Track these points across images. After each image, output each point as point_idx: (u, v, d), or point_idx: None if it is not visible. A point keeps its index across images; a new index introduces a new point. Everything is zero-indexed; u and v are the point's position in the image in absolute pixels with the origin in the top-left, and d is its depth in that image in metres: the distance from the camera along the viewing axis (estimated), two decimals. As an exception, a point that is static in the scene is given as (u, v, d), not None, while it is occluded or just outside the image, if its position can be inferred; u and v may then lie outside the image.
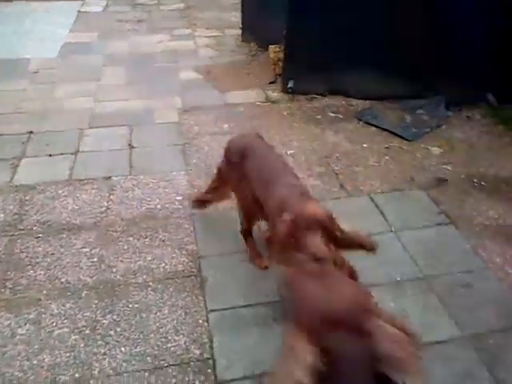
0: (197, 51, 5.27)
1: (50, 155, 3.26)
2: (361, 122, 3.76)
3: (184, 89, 4.32)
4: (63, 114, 3.81)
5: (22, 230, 2.62)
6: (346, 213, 2.73)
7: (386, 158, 3.30)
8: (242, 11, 5.51)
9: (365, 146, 3.45)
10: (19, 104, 3.94)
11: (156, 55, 5.10)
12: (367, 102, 4.04)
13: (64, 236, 2.57)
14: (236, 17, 6.43)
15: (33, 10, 6.44)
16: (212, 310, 2.18)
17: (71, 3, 6.82)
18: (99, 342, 2.02)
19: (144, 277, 2.34)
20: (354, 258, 2.00)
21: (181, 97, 4.15)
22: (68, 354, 1.97)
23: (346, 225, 1.91)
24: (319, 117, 3.85)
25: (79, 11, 6.52)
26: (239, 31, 5.71)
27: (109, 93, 4.19)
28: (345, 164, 3.23)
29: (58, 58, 4.92)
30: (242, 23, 5.57)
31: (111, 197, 2.88)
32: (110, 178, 3.05)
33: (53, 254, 2.46)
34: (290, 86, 4.17)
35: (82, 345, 2.01)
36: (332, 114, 3.89)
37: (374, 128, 3.68)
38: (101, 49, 5.21)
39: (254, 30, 5.29)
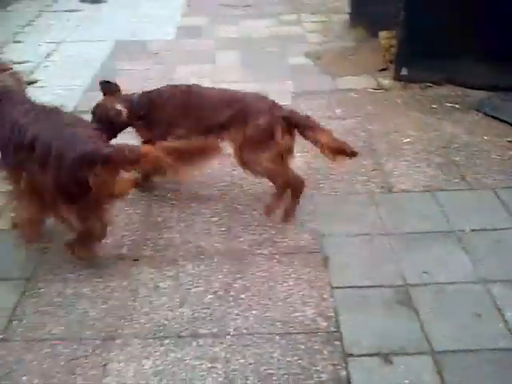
0: (304, 36, 5.32)
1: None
2: (480, 114, 3.64)
3: (294, 73, 4.41)
4: (184, 93, 4.04)
5: (157, 196, 2.86)
6: (469, 206, 2.72)
7: (510, 152, 3.18)
8: (351, -4, 5.48)
9: (486, 138, 3.34)
10: (145, 82, 4.22)
11: (265, 40, 5.23)
12: (484, 92, 3.90)
13: (194, 205, 2.78)
14: (341, 2, 6.39)
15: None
16: (336, 287, 2.26)
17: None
18: (232, 303, 2.18)
19: (269, 249, 2.48)
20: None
21: (292, 81, 4.25)
22: (205, 311, 2.15)
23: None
24: (435, 106, 3.77)
25: (190, -5, 6.81)
26: (346, 17, 5.69)
27: (224, 75, 4.37)
28: (465, 156, 3.16)
29: (174, 40, 5.20)
30: (351, 9, 5.53)
31: (233, 172, 3.03)
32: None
33: (185, 220, 2.67)
34: (403, 73, 4.12)
35: (216, 304, 2.18)
36: (448, 104, 3.80)
37: (494, 120, 3.55)
38: (212, 33, 5.43)
39: (362, 15, 5.25)
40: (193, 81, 4.21)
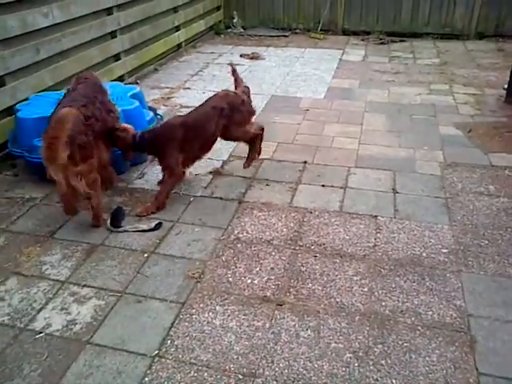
0: (456, 107, 5.25)
1: (323, 186, 3.63)
2: None
3: (445, 143, 4.35)
4: (332, 151, 4.21)
5: (302, 246, 2.98)
6: None
7: None
8: (512, 73, 5.32)
9: None
10: (295, 136, 4.50)
11: (414, 107, 5.26)
12: None
13: (337, 261, 2.84)
14: (496, 77, 6.24)
15: (302, 55, 7.30)
16: (483, 374, 2.13)
17: (333, 51, 7.53)
18: (371, 367, 2.17)
19: (412, 319, 2.43)
20: None
21: (442, 151, 4.20)
22: (344, 369, 2.16)
23: None
24: None
25: (340, 59, 7.14)
26: (500, 91, 5.53)
27: (371, 137, 4.48)
28: None
29: (324, 100, 5.47)
30: (509, 85, 5.36)
31: (378, 235, 3.06)
32: (376, 216, 3.25)
33: (328, 274, 2.74)
34: None
35: (355, 364, 2.18)
36: None
37: None
38: (361, 96, 5.60)
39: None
40: (341, 140, 4.41)
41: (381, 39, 8.20)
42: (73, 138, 2.76)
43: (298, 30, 8.73)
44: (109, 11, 5.42)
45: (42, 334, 2.34)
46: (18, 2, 4.04)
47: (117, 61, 5.67)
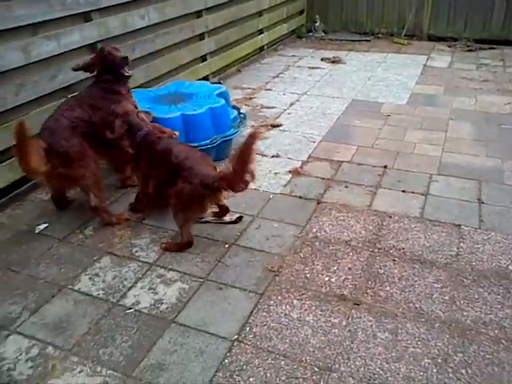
0: (549, 119, 4.95)
1: (403, 191, 3.58)
2: None
3: (535, 155, 4.13)
4: (413, 157, 4.14)
5: (380, 249, 2.96)
6: None
7: None
8: None
9: None
10: (375, 140, 4.47)
11: (503, 116, 5.03)
12: None
13: (417, 266, 2.80)
14: None
15: (384, 60, 7.20)
16: None
17: (417, 57, 7.34)
18: (451, 375, 2.13)
19: (496, 332, 2.35)
20: None
21: (533, 163, 3.99)
22: (422, 374, 2.14)
23: None
24: None
25: (425, 65, 6.95)
26: None
27: (456, 145, 4.34)
28: None
29: (406, 106, 5.36)
30: None
31: (461, 244, 2.98)
32: (459, 226, 3.16)
33: (407, 279, 2.71)
34: None
35: (434, 370, 2.15)
36: None
37: None
38: (446, 103, 5.43)
39: None
40: (423, 147, 4.32)
41: (468, 46, 7.88)
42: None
43: (380, 35, 8.61)
44: (198, 14, 5.67)
45: (131, 310, 2.53)
46: (119, 5, 4.36)
47: (203, 61, 5.91)
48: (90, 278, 2.77)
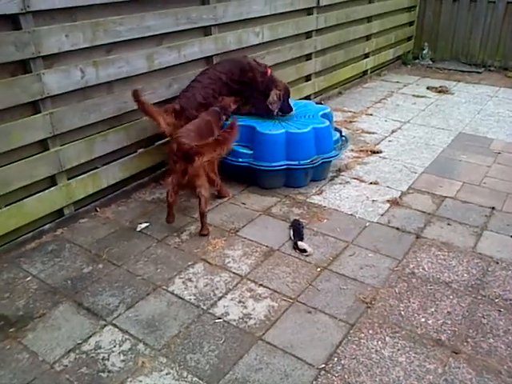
0: None
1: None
2: None
3: None
4: (526, 201, 3.83)
5: (484, 296, 2.75)
6: None
7: None
8: None
9: None
10: (483, 178, 4.20)
11: None
12: None
13: (526, 322, 2.57)
14: None
15: (495, 94, 6.79)
16: None
17: (534, 93, 6.84)
18: None
19: None
20: None
21: None
22: None
23: None
24: None
25: (542, 103, 6.46)
26: None
27: None
28: None
29: (520, 145, 5.00)
30: None
31: None
32: None
33: (514, 333, 2.49)
34: None
35: None
36: None
37: None
38: None
39: None
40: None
41: None
42: None
43: (492, 68, 8.14)
44: (308, 34, 5.72)
45: (220, 320, 2.55)
46: (238, 22, 4.52)
47: (307, 81, 5.95)
48: (183, 282, 2.85)
